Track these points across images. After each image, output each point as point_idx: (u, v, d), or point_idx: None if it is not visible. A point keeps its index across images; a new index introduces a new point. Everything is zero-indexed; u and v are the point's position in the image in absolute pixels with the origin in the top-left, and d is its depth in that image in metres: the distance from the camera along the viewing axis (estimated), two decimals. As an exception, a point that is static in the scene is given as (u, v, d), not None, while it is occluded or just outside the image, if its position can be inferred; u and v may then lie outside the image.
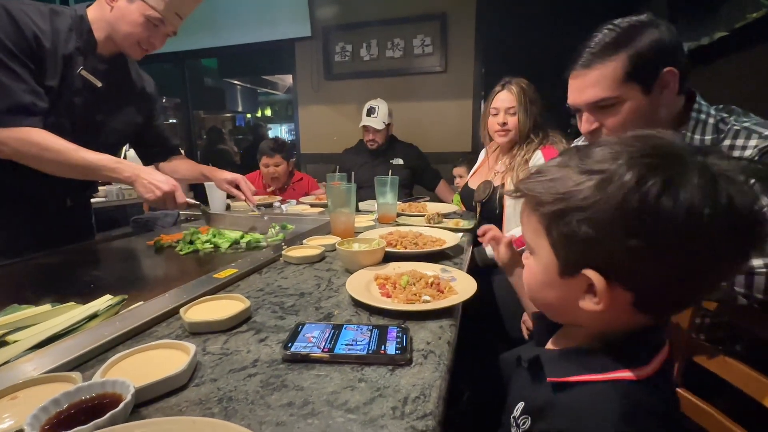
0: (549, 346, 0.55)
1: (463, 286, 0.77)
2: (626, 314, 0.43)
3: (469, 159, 2.34)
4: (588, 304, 0.43)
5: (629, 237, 0.38)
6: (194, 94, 4.21)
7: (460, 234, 1.22)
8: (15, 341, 0.58)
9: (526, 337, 1.19)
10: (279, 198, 2.04)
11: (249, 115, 8.09)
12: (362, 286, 0.78)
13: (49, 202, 1.20)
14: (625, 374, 0.41)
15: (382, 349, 0.54)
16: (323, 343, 0.56)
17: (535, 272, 0.50)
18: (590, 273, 0.42)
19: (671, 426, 0.41)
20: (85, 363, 0.54)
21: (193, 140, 4.36)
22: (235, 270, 0.88)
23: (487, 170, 1.70)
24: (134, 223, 1.55)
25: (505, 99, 1.54)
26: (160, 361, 0.52)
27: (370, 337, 0.57)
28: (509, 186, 1.48)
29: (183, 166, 1.51)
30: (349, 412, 0.43)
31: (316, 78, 3.25)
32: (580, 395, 0.43)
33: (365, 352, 0.53)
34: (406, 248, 1.03)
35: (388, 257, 0.96)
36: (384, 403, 0.45)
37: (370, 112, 2.32)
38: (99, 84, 1.13)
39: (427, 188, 2.56)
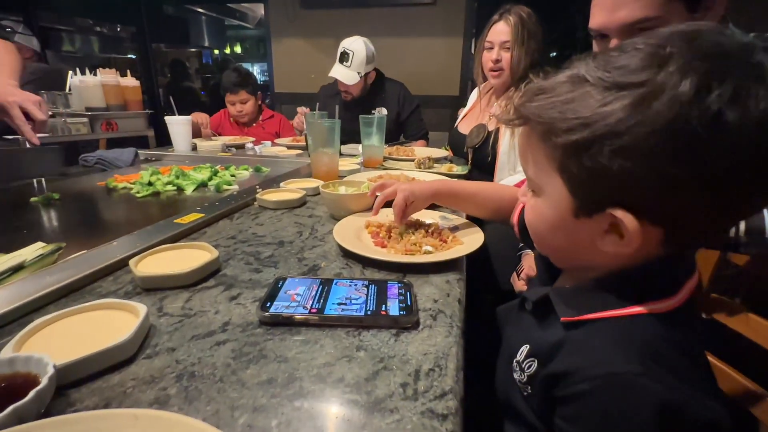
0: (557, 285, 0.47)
1: (468, 236, 0.68)
2: (651, 249, 0.36)
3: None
4: (610, 245, 0.36)
5: (681, 167, 0.30)
6: (152, 24, 3.72)
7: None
8: None
9: (518, 291, 1.14)
10: (252, 139, 1.85)
11: (216, 51, 7.41)
12: (352, 234, 0.67)
13: None
14: (648, 307, 0.35)
15: (383, 309, 0.44)
16: (310, 302, 0.45)
17: (542, 213, 0.41)
18: (620, 213, 0.34)
19: (699, 362, 0.36)
20: (2, 327, 0.42)
21: (154, 76, 3.93)
22: (201, 215, 0.75)
23: (479, 113, 1.56)
24: (83, 161, 1.35)
25: (501, 31, 1.37)
26: (100, 326, 0.41)
27: (368, 295, 0.47)
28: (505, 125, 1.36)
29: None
30: (348, 391, 0.34)
31: (291, 6, 2.90)
32: (597, 332, 0.36)
33: (362, 313, 0.44)
34: (398, 193, 0.92)
35: (379, 203, 0.85)
36: (391, 377, 0.36)
37: (343, 57, 1.87)
38: None
39: (407, 140, 2.17)
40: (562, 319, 0.38)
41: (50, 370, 0.31)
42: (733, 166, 0.30)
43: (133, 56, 4.85)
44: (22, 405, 0.27)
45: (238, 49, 8.28)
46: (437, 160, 1.40)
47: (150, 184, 1.04)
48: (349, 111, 2.02)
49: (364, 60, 1.89)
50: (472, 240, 0.65)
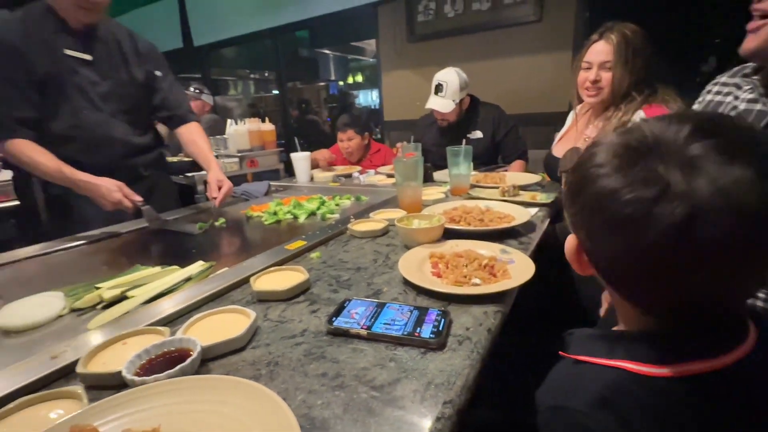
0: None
1: (519, 270, 0.73)
2: (641, 316, 0.41)
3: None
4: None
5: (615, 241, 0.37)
6: (290, 66, 4.46)
7: (535, 209, 1.14)
8: (133, 297, 0.74)
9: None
10: (358, 168, 2.12)
11: (341, 83, 8.33)
12: (415, 264, 0.79)
13: (127, 174, 1.28)
14: (636, 366, 0.37)
15: (417, 331, 0.56)
16: (364, 320, 0.59)
17: (570, 241, 0.49)
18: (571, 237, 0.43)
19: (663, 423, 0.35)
20: (175, 319, 0.66)
21: (287, 111, 4.68)
22: (304, 242, 0.96)
23: (576, 135, 1.52)
24: (233, 194, 1.76)
25: (600, 51, 1.32)
26: (229, 323, 0.61)
27: (409, 319, 0.59)
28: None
29: (199, 142, 1.46)
30: (374, 389, 0.47)
31: (399, 41, 3.17)
32: (579, 372, 0.41)
33: (401, 333, 0.56)
34: (469, 225, 1.00)
35: (450, 234, 0.95)
36: (408, 384, 0.47)
37: (438, 89, 2.03)
38: (89, 57, 1.22)
39: (504, 162, 2.21)
40: (559, 352, 0.44)
41: (198, 348, 0.51)
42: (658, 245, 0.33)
43: (277, 92, 5.84)
44: (183, 366, 0.47)
45: (359, 78, 9.13)
46: (525, 187, 1.42)
47: (274, 213, 1.33)
48: (445, 136, 2.15)
49: (458, 88, 2.02)
50: (520, 275, 0.71)
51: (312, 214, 1.33)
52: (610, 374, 0.38)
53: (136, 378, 0.46)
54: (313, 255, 0.91)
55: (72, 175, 1.15)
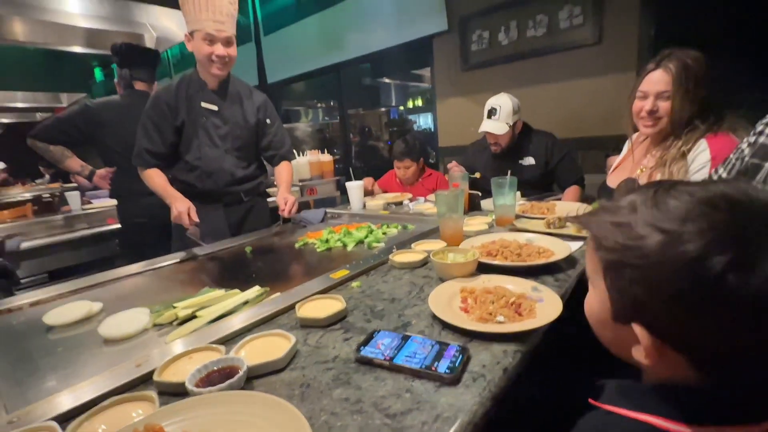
0: None
1: (547, 310, 0.74)
2: (682, 371, 0.40)
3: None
4: (639, 354, 0.42)
5: (684, 309, 0.36)
6: (352, 95, 4.78)
7: (579, 244, 1.12)
8: (201, 317, 0.87)
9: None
10: (409, 195, 2.20)
11: (401, 108, 8.62)
12: (446, 298, 0.84)
13: (231, 198, 1.74)
14: (655, 420, 0.38)
15: (434, 365, 0.60)
16: (388, 351, 0.65)
17: (593, 306, 0.50)
18: (638, 329, 0.41)
19: None
20: (232, 339, 0.77)
21: (348, 138, 4.96)
22: (347, 272, 1.05)
23: (632, 165, 1.45)
24: (293, 221, 1.93)
25: (658, 81, 1.27)
26: (273, 346, 0.71)
27: (429, 352, 0.64)
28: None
29: (281, 176, 1.78)
30: (388, 416, 0.52)
31: (453, 70, 3.25)
32: (603, 421, 0.42)
33: (419, 366, 0.61)
34: (506, 259, 1.02)
35: (486, 268, 0.98)
36: (419, 415, 0.52)
37: (491, 113, 2.07)
38: (216, 107, 1.64)
39: (560, 189, 2.18)
40: (588, 399, 0.46)
41: (245, 368, 0.60)
42: (742, 322, 0.34)
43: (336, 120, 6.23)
44: (231, 382, 0.57)
45: (418, 102, 9.36)
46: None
47: (326, 241, 1.44)
48: (497, 162, 2.16)
49: (511, 111, 2.05)
50: (546, 315, 0.72)
51: (360, 242, 1.43)
52: (641, 429, 0.39)
53: (195, 389, 0.56)
54: (354, 284, 0.99)
55: (166, 190, 1.56)
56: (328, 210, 2.02)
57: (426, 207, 1.89)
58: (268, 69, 4.38)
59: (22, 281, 2.13)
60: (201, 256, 1.43)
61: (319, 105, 7.58)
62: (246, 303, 0.93)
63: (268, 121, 1.77)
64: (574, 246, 1.09)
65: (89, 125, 2.07)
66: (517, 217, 1.47)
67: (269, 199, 2.05)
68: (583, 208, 1.53)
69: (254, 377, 0.63)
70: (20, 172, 4.54)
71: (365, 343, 0.68)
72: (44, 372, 0.73)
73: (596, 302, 0.48)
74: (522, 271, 0.95)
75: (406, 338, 0.69)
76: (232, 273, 1.30)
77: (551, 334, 0.72)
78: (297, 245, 1.48)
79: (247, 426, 0.49)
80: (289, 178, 1.80)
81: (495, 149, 2.18)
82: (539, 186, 2.14)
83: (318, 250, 1.40)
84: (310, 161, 2.21)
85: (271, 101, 1.81)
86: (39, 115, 5.59)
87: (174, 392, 0.60)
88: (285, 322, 0.83)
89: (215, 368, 0.63)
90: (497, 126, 2.06)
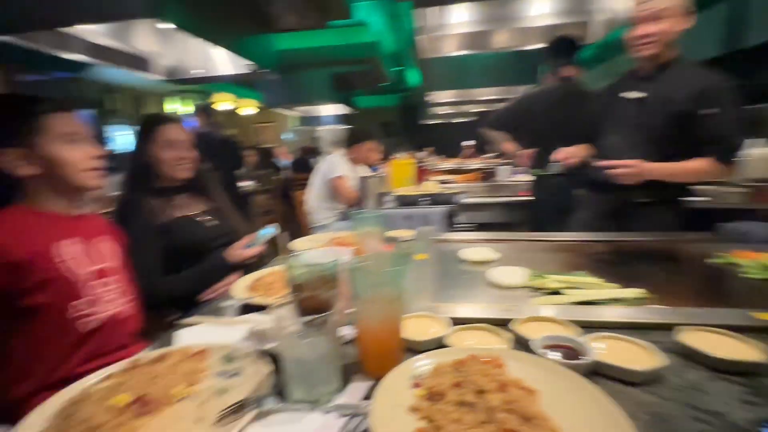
0: None
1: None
2: None
3: None
4: None
5: None
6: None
7: None
8: (566, 295, 0.89)
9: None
10: None
11: None
12: None
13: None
14: None
15: None
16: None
17: None
18: None
19: None
20: (589, 327, 0.74)
21: None
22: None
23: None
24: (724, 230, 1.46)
25: None
26: (632, 354, 0.63)
27: None
28: None
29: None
30: None
31: None
32: None
33: None
34: None
35: None
36: None
37: None
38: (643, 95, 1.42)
39: None
40: None
41: (590, 357, 0.58)
42: None
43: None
44: (575, 363, 0.57)
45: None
46: None
47: (766, 268, 1.01)
48: None
49: None
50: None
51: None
52: None
53: (540, 350, 0.61)
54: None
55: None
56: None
57: None
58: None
59: (459, 225, 2.95)
60: (590, 241, 1.40)
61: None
62: (617, 300, 0.85)
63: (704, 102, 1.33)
64: None
65: (518, 115, 2.49)
66: None
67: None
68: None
69: (598, 374, 0.59)
70: (481, 149, 6.41)
71: (777, 421, 0.46)
72: (452, 287, 1.03)
73: None
74: None
75: None
76: (615, 266, 1.19)
77: None
78: (712, 260, 1.13)
79: (571, 413, 0.48)
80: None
81: None
82: None
83: (748, 276, 1.01)
84: None
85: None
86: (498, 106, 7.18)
87: (519, 344, 0.68)
88: (657, 339, 0.69)
89: (563, 343, 0.64)
90: None
